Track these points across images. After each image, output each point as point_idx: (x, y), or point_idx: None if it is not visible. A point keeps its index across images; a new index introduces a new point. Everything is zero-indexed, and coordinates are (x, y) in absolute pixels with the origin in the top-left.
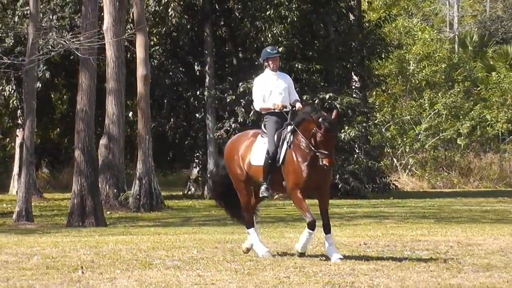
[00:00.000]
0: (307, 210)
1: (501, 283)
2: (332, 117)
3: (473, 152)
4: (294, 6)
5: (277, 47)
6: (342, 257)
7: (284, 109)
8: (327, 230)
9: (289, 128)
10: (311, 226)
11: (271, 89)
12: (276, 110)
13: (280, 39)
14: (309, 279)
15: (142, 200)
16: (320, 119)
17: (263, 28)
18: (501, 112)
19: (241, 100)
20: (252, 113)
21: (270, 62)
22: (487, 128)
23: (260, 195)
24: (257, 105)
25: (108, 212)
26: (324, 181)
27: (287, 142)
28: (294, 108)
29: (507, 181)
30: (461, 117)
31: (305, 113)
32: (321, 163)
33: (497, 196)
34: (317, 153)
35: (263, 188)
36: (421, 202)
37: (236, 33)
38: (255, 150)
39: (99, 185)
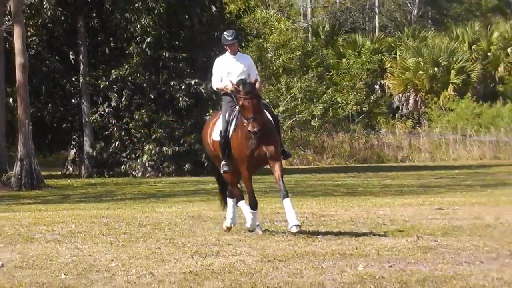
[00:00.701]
0: (251, 191)
1: (351, 249)
2: (251, 81)
3: (326, 132)
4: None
5: (234, 33)
6: (299, 224)
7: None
8: (286, 195)
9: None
10: (253, 206)
11: (228, 70)
12: (228, 92)
13: (148, 29)
14: (178, 249)
15: (23, 180)
16: (240, 86)
17: (133, 19)
18: (350, 95)
19: (114, 86)
20: (124, 97)
21: (227, 48)
22: (338, 110)
23: (221, 171)
24: (214, 84)
25: None
26: (271, 156)
27: (235, 119)
28: None
29: (356, 158)
30: (314, 100)
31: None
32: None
33: (347, 172)
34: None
35: (222, 163)
36: None
37: (108, 24)
38: (215, 127)
39: None
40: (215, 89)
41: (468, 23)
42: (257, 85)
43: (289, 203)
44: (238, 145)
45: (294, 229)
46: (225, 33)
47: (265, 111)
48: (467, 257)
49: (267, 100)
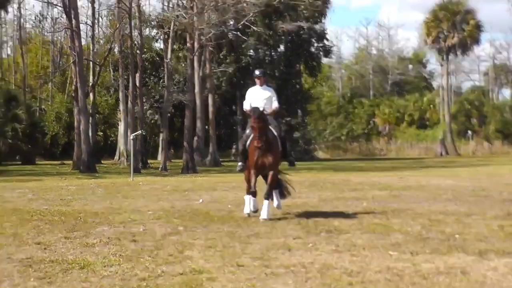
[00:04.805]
0: (249, 183)
1: (360, 196)
2: (262, 110)
3: (348, 142)
4: (273, 82)
5: (262, 70)
6: (265, 217)
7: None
8: (266, 197)
9: None
10: (249, 194)
11: (255, 97)
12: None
13: None
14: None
15: (212, 162)
16: (252, 111)
17: None
18: (359, 126)
19: None
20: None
21: (256, 80)
22: (354, 132)
23: (237, 169)
24: (244, 107)
25: (198, 167)
26: (269, 164)
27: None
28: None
29: (362, 154)
30: (343, 128)
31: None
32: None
33: (358, 160)
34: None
35: (239, 163)
36: (327, 163)
37: None
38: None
39: (194, 157)
40: (244, 110)
41: (412, 94)
42: (273, 109)
43: (266, 204)
44: (250, 152)
45: (262, 219)
46: (256, 70)
47: (273, 130)
48: (414, 200)
49: (320, 128)
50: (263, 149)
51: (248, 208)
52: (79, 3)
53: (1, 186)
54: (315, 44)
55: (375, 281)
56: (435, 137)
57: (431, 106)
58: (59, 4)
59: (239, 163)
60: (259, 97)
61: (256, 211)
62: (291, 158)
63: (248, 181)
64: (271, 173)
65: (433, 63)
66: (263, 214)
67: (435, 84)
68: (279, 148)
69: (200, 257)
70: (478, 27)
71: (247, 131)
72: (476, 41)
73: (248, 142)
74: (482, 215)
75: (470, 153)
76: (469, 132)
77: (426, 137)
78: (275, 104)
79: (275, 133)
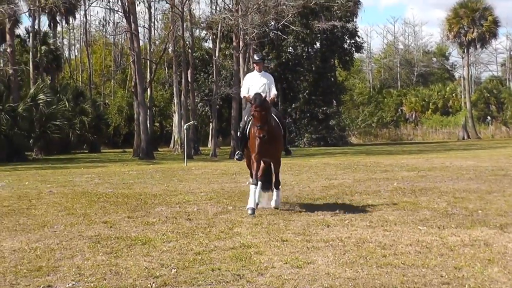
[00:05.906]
0: (253, 173)
1: (390, 177)
2: (263, 97)
3: (378, 128)
4: (310, 76)
5: (261, 55)
6: (276, 206)
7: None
8: (276, 186)
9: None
10: (254, 183)
11: (253, 83)
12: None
13: (307, 88)
14: (318, 175)
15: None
16: (253, 99)
17: (301, 84)
18: (388, 114)
19: (296, 110)
20: (298, 116)
21: (255, 65)
22: (383, 119)
23: (235, 158)
24: (242, 94)
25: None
26: (272, 153)
27: (251, 121)
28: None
29: (391, 139)
30: (374, 116)
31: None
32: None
33: (388, 145)
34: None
35: (237, 152)
36: (360, 147)
37: (291, 85)
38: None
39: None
40: (242, 97)
41: (436, 84)
42: (272, 96)
43: (276, 192)
44: (252, 140)
45: (273, 205)
46: (255, 54)
47: (274, 117)
48: (439, 179)
49: (354, 116)
50: (266, 138)
51: (252, 201)
52: (137, 9)
53: (71, 172)
54: (348, 41)
55: (406, 253)
56: (457, 122)
57: (453, 94)
58: (120, 10)
59: (238, 151)
60: (256, 83)
61: (257, 204)
62: (287, 147)
63: (251, 168)
64: (275, 163)
65: (455, 56)
66: (276, 202)
67: (456, 75)
68: (281, 135)
69: (248, 233)
70: (495, 23)
71: (245, 117)
72: (494, 35)
73: (248, 129)
74: (502, 192)
75: (490, 137)
76: (488, 117)
77: (449, 123)
78: (273, 91)
79: (278, 120)
